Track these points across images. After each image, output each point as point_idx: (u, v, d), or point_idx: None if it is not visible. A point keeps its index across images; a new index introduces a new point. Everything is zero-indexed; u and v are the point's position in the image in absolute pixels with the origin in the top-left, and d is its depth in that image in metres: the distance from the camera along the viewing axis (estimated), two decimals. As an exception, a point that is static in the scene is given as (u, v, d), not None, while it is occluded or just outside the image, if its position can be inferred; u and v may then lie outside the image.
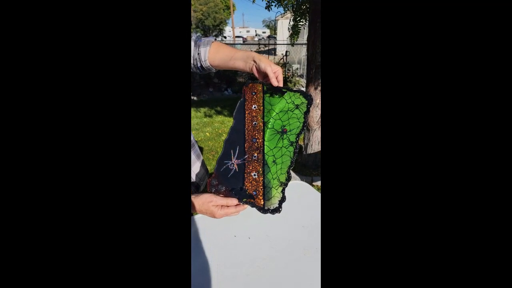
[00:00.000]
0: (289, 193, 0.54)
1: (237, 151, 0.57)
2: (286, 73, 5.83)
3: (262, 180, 0.54)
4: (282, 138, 0.56)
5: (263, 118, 0.57)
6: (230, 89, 5.43)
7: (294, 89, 0.57)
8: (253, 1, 2.85)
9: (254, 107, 0.58)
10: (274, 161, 0.55)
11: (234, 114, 0.60)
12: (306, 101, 0.56)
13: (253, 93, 0.59)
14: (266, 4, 2.74)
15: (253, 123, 0.58)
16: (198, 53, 0.62)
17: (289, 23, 2.80)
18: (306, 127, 0.56)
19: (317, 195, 0.71)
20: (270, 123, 0.57)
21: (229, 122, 3.48)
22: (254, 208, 0.54)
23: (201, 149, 2.75)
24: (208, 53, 0.61)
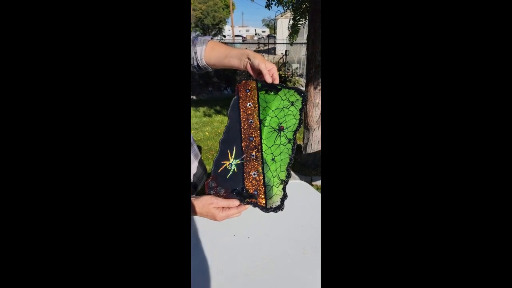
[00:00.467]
0: (288, 193, 0.54)
1: (234, 150, 0.56)
2: (286, 73, 5.83)
3: (263, 179, 0.54)
4: (280, 136, 0.55)
5: (259, 116, 0.57)
6: (230, 88, 5.42)
7: (289, 86, 0.57)
8: (252, 0, 2.84)
9: (249, 105, 0.58)
10: (273, 159, 0.55)
11: (228, 112, 0.59)
12: (301, 98, 0.56)
13: (247, 91, 0.58)
14: (266, 3, 2.74)
15: (249, 121, 0.57)
16: (195, 52, 0.62)
17: (289, 22, 2.79)
18: (302, 124, 0.56)
19: (317, 195, 0.71)
20: (266, 121, 0.56)
21: (228, 121, 3.47)
22: (253, 208, 0.54)
23: (200, 148, 2.75)
24: (204, 52, 0.61)
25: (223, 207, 0.53)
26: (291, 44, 3.05)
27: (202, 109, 4.11)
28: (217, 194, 0.55)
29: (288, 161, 0.54)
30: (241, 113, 0.58)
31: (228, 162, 0.56)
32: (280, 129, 0.56)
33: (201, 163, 0.77)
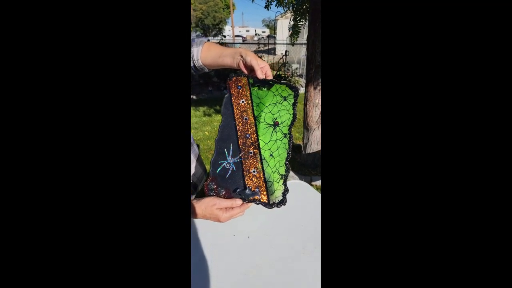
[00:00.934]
0: (288, 194, 0.54)
1: (231, 149, 0.56)
2: (286, 73, 5.83)
3: (263, 176, 0.54)
4: (275, 131, 0.55)
5: (253, 113, 0.56)
6: (230, 88, 5.40)
7: (280, 81, 0.56)
8: (253, 0, 2.85)
9: (242, 102, 0.57)
10: (271, 155, 0.55)
11: (222, 110, 0.58)
12: (293, 93, 0.56)
13: (239, 87, 0.58)
14: (266, 3, 2.74)
15: (244, 118, 0.57)
16: (191, 53, 0.62)
17: (289, 22, 2.80)
18: (296, 118, 0.56)
19: (316, 195, 0.71)
20: (261, 117, 0.56)
21: (228, 121, 3.47)
22: (253, 207, 0.54)
23: (199, 148, 2.74)
24: (200, 53, 0.62)
25: (226, 208, 0.53)
26: (291, 44, 3.05)
27: (202, 108, 4.12)
28: (218, 195, 0.55)
29: (286, 155, 0.54)
30: (235, 110, 0.57)
31: (226, 162, 0.56)
32: (275, 124, 0.56)
33: (201, 163, 0.77)
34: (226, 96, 0.58)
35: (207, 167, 0.63)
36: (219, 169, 0.56)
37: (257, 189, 0.54)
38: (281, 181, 0.54)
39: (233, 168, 0.55)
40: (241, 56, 0.57)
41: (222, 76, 5.67)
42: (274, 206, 0.53)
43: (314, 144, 2.26)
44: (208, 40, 0.65)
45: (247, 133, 0.56)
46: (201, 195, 0.59)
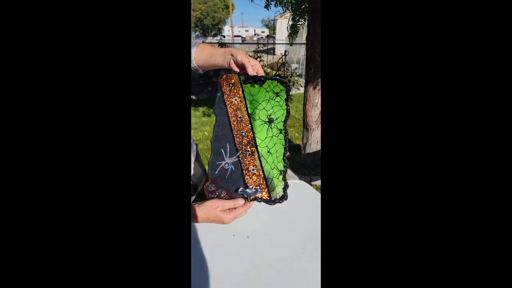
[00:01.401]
0: (288, 193, 0.54)
1: (228, 149, 0.55)
2: (285, 73, 5.83)
3: (262, 173, 0.54)
4: (271, 128, 0.55)
5: (247, 110, 0.56)
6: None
7: (271, 76, 0.56)
8: (252, 0, 2.85)
9: (235, 100, 0.57)
10: (268, 152, 0.54)
11: (214, 110, 0.58)
12: (285, 88, 0.55)
13: (230, 85, 0.57)
14: (265, 3, 2.74)
15: (238, 116, 0.56)
16: None
17: (288, 22, 2.80)
18: (290, 114, 0.56)
19: (316, 195, 0.71)
20: (256, 114, 0.56)
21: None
22: (252, 207, 0.54)
23: (199, 148, 2.74)
24: (194, 54, 0.62)
25: (229, 209, 0.53)
26: (291, 44, 3.05)
27: (201, 108, 4.11)
28: (219, 197, 0.54)
29: (283, 151, 0.54)
30: (228, 109, 0.57)
31: (224, 162, 0.55)
32: (270, 120, 0.55)
33: (200, 163, 0.77)
34: (218, 95, 0.58)
35: (207, 167, 0.63)
36: (217, 170, 0.55)
37: (258, 187, 0.54)
38: (281, 176, 0.54)
39: (231, 168, 0.55)
40: (232, 55, 0.57)
41: (221, 76, 5.65)
42: (277, 202, 0.53)
43: (314, 144, 2.26)
44: (203, 42, 0.65)
45: (242, 132, 0.55)
46: (201, 196, 0.58)
